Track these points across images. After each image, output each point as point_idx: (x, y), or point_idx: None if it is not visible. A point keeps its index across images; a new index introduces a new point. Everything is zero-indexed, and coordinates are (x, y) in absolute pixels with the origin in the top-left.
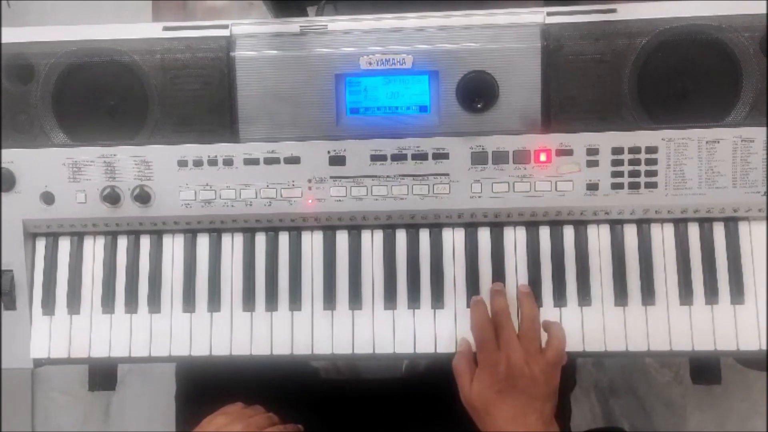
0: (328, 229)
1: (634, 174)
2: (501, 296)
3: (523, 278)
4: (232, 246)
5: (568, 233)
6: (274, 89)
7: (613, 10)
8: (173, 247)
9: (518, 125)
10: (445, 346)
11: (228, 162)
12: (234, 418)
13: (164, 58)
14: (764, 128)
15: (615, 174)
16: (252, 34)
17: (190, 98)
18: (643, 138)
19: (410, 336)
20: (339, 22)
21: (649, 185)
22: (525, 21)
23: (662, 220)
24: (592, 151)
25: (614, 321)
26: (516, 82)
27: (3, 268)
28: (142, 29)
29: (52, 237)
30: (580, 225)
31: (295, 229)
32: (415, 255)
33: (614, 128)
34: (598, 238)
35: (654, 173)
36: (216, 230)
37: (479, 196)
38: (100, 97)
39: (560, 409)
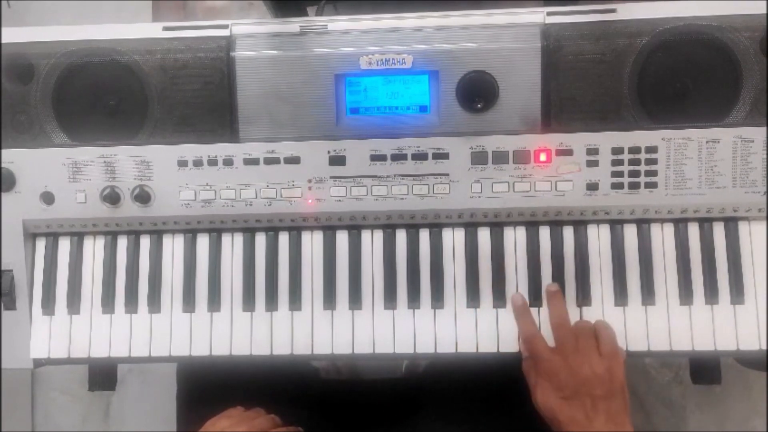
0: (328, 229)
1: (634, 174)
2: (559, 301)
3: (523, 278)
4: (232, 246)
5: (568, 233)
6: (274, 89)
7: (613, 10)
8: (173, 247)
9: (518, 125)
10: (445, 347)
11: (228, 162)
12: (238, 421)
13: (164, 58)
14: (764, 128)
15: (615, 174)
16: (252, 34)
17: (190, 98)
18: (642, 138)
19: (410, 336)
20: (339, 22)
21: (649, 185)
22: (525, 21)
23: (662, 220)
24: (592, 151)
25: (614, 321)
26: (516, 82)
27: (3, 268)
28: (142, 29)
29: (52, 237)
30: (580, 225)
31: (295, 229)
32: (415, 255)
33: (614, 128)
34: (598, 238)
35: (654, 173)
36: (216, 230)
37: (479, 196)
38: (100, 97)
39: None
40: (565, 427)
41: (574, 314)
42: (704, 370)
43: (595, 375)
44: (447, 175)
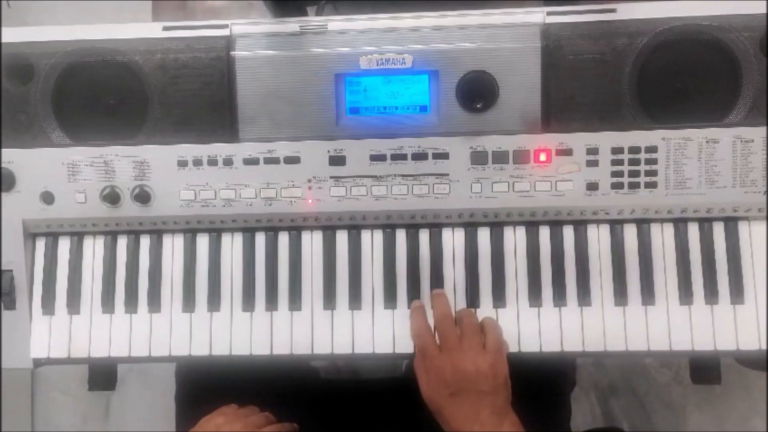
0: (328, 229)
1: (633, 174)
2: (442, 299)
3: (523, 278)
4: (232, 246)
5: (568, 233)
6: (273, 89)
7: (612, 10)
8: (173, 246)
9: (518, 125)
10: None
11: (228, 162)
12: (232, 418)
13: (164, 58)
14: (764, 128)
15: (615, 174)
16: (251, 33)
17: (190, 98)
18: (642, 138)
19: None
20: (339, 22)
21: (648, 185)
22: (525, 21)
23: (662, 220)
24: (592, 151)
25: (614, 321)
26: (516, 82)
27: (3, 268)
28: (142, 29)
29: (52, 237)
30: (580, 225)
31: (295, 229)
32: (414, 255)
33: (614, 128)
34: (598, 238)
35: (654, 173)
36: (216, 230)
37: (479, 196)
38: (100, 97)
39: (560, 409)
40: (452, 423)
41: (574, 315)
42: (704, 370)
43: (479, 372)
44: (447, 175)
